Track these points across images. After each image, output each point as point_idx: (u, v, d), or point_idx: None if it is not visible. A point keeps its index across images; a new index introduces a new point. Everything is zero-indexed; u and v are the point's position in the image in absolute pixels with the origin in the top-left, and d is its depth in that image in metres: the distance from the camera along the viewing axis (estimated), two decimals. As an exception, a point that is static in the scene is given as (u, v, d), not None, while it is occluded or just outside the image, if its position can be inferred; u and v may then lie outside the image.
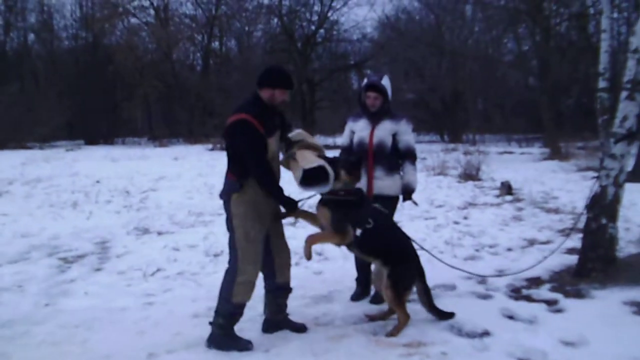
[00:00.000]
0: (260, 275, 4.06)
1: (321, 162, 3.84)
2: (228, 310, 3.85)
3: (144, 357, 3.71)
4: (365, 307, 4.67)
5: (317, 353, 3.70)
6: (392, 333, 3.97)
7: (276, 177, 3.98)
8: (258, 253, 3.90)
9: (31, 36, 35.09)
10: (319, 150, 4.09)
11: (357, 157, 4.31)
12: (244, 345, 3.81)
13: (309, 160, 3.86)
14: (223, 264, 6.07)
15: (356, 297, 4.92)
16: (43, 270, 5.91)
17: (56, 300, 4.96)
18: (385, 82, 4.75)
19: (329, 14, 32.62)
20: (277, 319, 4.18)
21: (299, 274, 5.72)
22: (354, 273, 5.07)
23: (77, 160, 17.97)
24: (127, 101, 33.54)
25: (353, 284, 5.05)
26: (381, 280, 4.08)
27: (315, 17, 32.70)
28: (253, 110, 3.80)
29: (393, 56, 30.03)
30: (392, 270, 4.01)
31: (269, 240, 4.05)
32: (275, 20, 33.53)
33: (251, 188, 3.82)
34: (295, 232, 6.80)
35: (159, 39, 32.93)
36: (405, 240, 4.22)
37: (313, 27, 32.73)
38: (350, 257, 6.24)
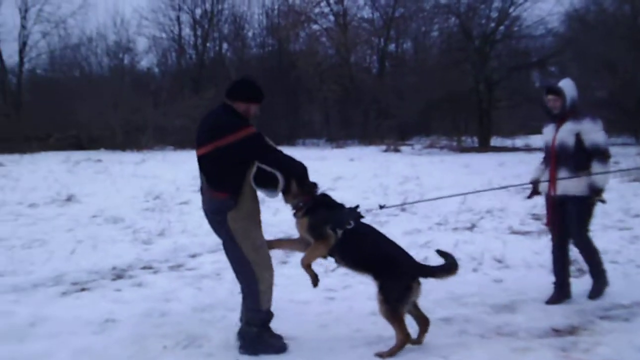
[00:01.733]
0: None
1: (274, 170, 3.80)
2: (260, 318, 3.93)
3: (326, 350, 3.90)
4: (552, 321, 4.40)
5: (499, 364, 3.60)
6: (384, 354, 3.75)
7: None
8: (268, 256, 3.98)
9: (225, 45, 38.45)
10: None
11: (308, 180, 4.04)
12: (282, 346, 3.91)
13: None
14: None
15: (552, 300, 4.79)
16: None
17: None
18: (565, 83, 4.78)
19: (511, 10, 31.14)
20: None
21: (477, 280, 5.60)
22: (538, 283, 4.86)
23: (263, 160, 19.33)
24: (308, 104, 35.27)
25: (537, 295, 4.84)
26: None
27: (495, 14, 31.42)
28: (246, 123, 3.84)
29: (580, 52, 27.71)
30: (382, 284, 3.81)
31: None
32: (453, 19, 32.84)
33: (245, 201, 3.82)
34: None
35: (337, 44, 34.19)
36: (394, 248, 4.01)
37: (492, 24, 31.49)
38: (534, 266, 5.97)
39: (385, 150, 24.28)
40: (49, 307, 4.97)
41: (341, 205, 4.08)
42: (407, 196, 10.09)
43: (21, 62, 31.54)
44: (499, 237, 7.20)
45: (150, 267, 6.35)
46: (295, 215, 4.01)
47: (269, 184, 3.80)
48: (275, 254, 6.69)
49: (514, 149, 23.36)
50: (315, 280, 4.06)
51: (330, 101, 36.19)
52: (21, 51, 31.37)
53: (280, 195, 3.91)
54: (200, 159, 3.89)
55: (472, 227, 8.04)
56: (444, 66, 28.14)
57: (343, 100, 35.30)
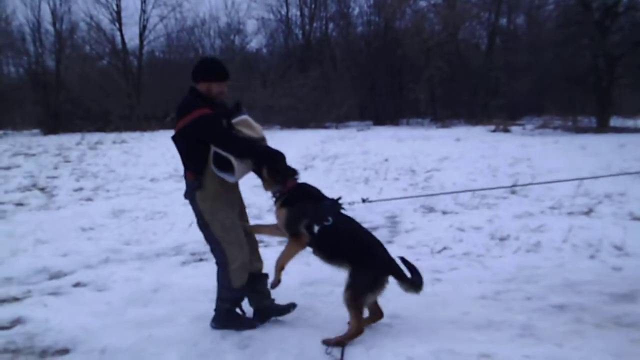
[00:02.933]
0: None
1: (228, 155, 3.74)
2: (233, 296, 3.99)
3: (431, 331, 3.89)
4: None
5: (617, 354, 3.42)
6: (333, 341, 3.62)
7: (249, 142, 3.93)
8: (240, 237, 3.94)
9: (330, 25, 38.60)
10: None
11: (279, 168, 3.95)
12: (251, 323, 3.99)
13: None
14: (510, 247, 6.05)
15: None
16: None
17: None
18: None
19: (637, -22, 28.59)
20: (264, 306, 4.16)
21: (594, 267, 5.34)
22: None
23: (367, 140, 19.33)
24: (413, 83, 34.65)
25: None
26: None
27: (619, -17, 29.00)
28: (202, 104, 3.76)
29: None
30: (352, 272, 3.73)
31: None
32: (571, -10, 30.73)
33: (210, 182, 3.83)
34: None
35: (445, 20, 33.16)
36: (371, 240, 3.88)
37: (616, -5, 29.13)
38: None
39: (494, 130, 23.35)
40: (170, 275, 5.36)
41: (322, 197, 3.98)
42: (518, 178, 9.70)
43: (141, 44, 33.51)
44: (619, 223, 6.76)
45: (261, 241, 6.60)
46: (274, 203, 4.01)
47: (227, 168, 3.80)
48: (382, 235, 6.79)
49: (636, 130, 21.62)
50: (276, 284, 3.97)
51: (436, 79, 35.28)
52: (141, 34, 33.32)
53: (240, 178, 3.90)
54: (173, 140, 3.97)
55: (589, 212, 7.60)
56: (560, 41, 26.46)
57: (449, 79, 34.28)
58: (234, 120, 3.98)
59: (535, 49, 29.59)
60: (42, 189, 10.59)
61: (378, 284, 3.74)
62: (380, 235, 6.79)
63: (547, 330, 3.83)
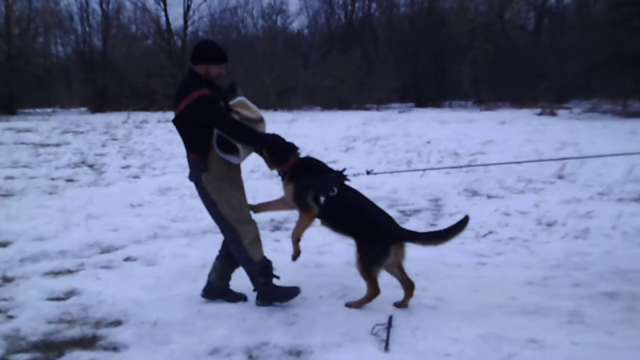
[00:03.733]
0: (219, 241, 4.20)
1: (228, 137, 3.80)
2: (259, 269, 4.00)
3: (478, 314, 3.87)
4: None
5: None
6: (354, 304, 3.95)
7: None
8: (248, 214, 4.02)
9: (373, 5, 38.18)
10: (251, 122, 3.96)
11: (283, 144, 4.09)
12: (291, 293, 3.99)
13: None
14: (557, 233, 5.94)
15: None
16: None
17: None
18: None
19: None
20: (219, 286, 4.19)
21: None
22: None
23: (409, 122, 19.18)
24: (456, 65, 34.10)
25: None
26: None
27: (677, -39, 27.65)
28: (200, 85, 3.77)
29: None
30: (360, 245, 3.90)
31: None
32: (626, -32, 29.51)
33: (215, 163, 3.85)
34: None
35: (491, 0, 32.41)
36: (376, 211, 4.01)
37: (674, -27, 27.79)
38: None
39: (540, 114, 22.84)
40: (216, 252, 5.45)
41: (327, 169, 4.08)
42: (565, 163, 9.47)
43: (185, 25, 33.96)
44: (672, 211, 6.56)
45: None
46: (281, 180, 4.11)
47: (231, 150, 3.84)
48: (425, 217, 6.76)
49: None
50: (296, 256, 4.10)
51: (481, 61, 34.63)
52: (185, 15, 33.75)
53: (244, 159, 3.97)
54: (174, 123, 4.00)
55: (639, 199, 7.40)
56: (611, 23, 25.51)
57: (494, 60, 33.59)
58: (231, 102, 3.98)
59: (585, 30, 28.66)
60: (91, 166, 10.91)
61: (385, 253, 3.89)
62: (424, 218, 6.79)
63: (597, 317, 3.76)
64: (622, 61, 23.09)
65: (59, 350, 3.39)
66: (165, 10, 33.19)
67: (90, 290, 4.40)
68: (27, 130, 16.63)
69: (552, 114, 22.85)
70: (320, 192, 3.91)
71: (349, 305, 3.98)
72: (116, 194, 8.24)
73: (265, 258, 4.07)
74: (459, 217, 6.45)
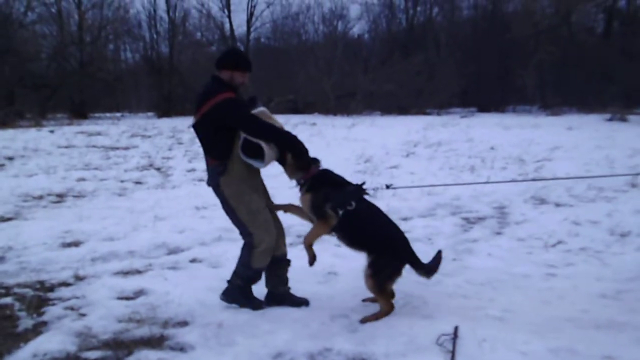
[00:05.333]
0: None
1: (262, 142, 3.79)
2: (248, 275, 4.05)
3: (549, 328, 3.73)
4: None
5: None
6: (369, 319, 3.85)
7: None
8: (267, 220, 4.00)
9: (435, 9, 37.70)
10: None
11: (303, 154, 4.00)
12: (258, 305, 4.04)
13: None
14: (631, 244, 5.66)
15: None
16: (449, 227, 6.47)
17: (462, 257, 5.39)
18: None
19: None
20: (279, 292, 4.21)
21: None
22: None
23: (471, 127, 18.76)
24: (521, 68, 33.14)
25: None
26: None
27: None
28: (224, 89, 3.76)
29: None
30: (374, 260, 3.87)
31: None
32: None
33: (236, 165, 3.88)
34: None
35: (557, 2, 31.35)
36: (392, 227, 3.99)
37: None
38: None
39: (610, 119, 21.85)
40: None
41: (345, 183, 4.03)
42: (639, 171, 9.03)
43: (248, 31, 34.58)
44: None
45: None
46: (299, 190, 4.05)
47: (256, 154, 3.81)
48: (490, 225, 6.59)
49: None
50: (312, 260, 4.07)
51: (546, 65, 33.50)
52: (248, 21, 34.38)
53: (267, 165, 3.92)
54: (194, 128, 4.00)
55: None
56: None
57: (561, 64, 32.41)
58: (253, 111, 4.00)
59: (659, 33, 27.30)
60: (158, 169, 11.27)
61: (399, 271, 3.95)
62: (488, 226, 6.62)
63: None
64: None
65: (129, 349, 3.50)
66: (229, 16, 33.95)
67: (158, 290, 4.53)
68: (98, 133, 17.34)
69: (623, 120, 21.82)
70: (339, 206, 3.88)
71: (364, 320, 3.87)
72: (182, 197, 8.47)
73: (262, 270, 4.11)
74: (526, 226, 6.31)
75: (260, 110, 4.05)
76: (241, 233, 4.09)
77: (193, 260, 5.42)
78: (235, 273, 4.12)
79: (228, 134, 3.88)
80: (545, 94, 33.75)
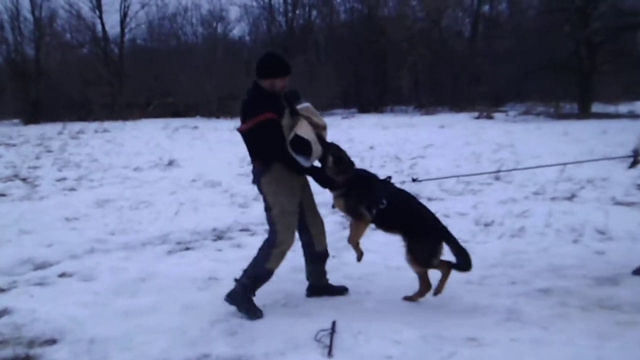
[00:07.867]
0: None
1: (312, 138, 3.93)
2: (256, 274, 4.10)
3: (419, 317, 3.93)
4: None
5: (601, 336, 3.49)
6: (412, 297, 4.22)
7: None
8: (295, 224, 4.16)
9: (314, 12, 38.42)
10: (318, 128, 4.15)
11: (341, 155, 4.22)
12: (255, 313, 4.00)
13: (303, 130, 3.94)
14: (494, 233, 6.11)
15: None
16: (329, 225, 6.56)
17: (341, 254, 5.51)
18: None
19: (617, -35, 28.72)
20: (320, 284, 4.45)
21: (577, 252, 5.42)
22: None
23: (352, 127, 19.37)
24: (396, 71, 34.69)
25: (644, 269, 4.59)
26: None
27: (599, -30, 29.11)
28: (266, 102, 3.96)
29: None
30: (410, 245, 4.14)
31: (303, 214, 4.25)
32: (553, -23, 30.83)
33: (276, 166, 4.04)
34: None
35: (428, 7, 33.21)
36: (424, 212, 4.25)
37: (597, -18, 29.25)
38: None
39: (478, 117, 23.57)
40: (156, 265, 5.34)
41: (377, 180, 4.28)
42: (503, 164, 9.78)
43: (122, 32, 33.12)
44: (601, 208, 6.86)
45: (247, 230, 6.63)
46: (331, 191, 4.23)
47: (303, 150, 3.93)
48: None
49: (617, 116, 21.90)
50: (360, 257, 4.33)
51: (420, 67, 35.38)
52: (122, 22, 32.92)
53: (312, 162, 4.04)
54: (240, 133, 4.17)
55: (571, 197, 7.72)
56: (542, 28, 26.64)
57: (433, 66, 34.41)
58: (299, 107, 4.14)
59: (518, 36, 29.75)
60: (24, 179, 10.46)
61: (437, 252, 4.17)
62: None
63: (533, 314, 3.88)
64: (552, 65, 24.12)
65: (-12, 373, 3.22)
66: (101, 17, 32.32)
67: (23, 308, 4.22)
68: (-46, 143, 15.83)
69: (489, 117, 23.60)
70: (371, 206, 4.10)
71: (406, 298, 4.24)
72: (50, 208, 7.93)
73: (272, 272, 4.14)
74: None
75: (304, 106, 4.17)
76: (270, 229, 4.18)
77: (62, 275, 5.08)
78: (245, 271, 4.16)
79: (270, 142, 3.98)
80: (419, 95, 35.59)
